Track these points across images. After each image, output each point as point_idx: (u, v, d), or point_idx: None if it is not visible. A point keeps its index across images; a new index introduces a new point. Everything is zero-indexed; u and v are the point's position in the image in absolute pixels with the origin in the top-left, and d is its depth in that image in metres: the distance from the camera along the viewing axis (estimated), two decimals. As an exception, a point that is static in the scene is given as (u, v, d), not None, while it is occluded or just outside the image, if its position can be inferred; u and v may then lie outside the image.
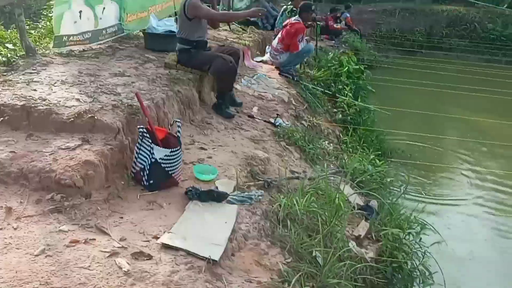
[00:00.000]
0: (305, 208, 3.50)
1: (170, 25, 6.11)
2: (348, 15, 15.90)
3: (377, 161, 5.24)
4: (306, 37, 7.87)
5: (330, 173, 4.84)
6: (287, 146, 5.06)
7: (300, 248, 3.26)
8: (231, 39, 8.25)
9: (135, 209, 3.12)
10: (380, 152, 7.16)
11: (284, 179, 4.07)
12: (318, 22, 9.57)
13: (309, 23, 7.96)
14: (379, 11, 19.03)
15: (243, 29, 9.56)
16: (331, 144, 6.04)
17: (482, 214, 6.35)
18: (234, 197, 3.42)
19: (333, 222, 3.48)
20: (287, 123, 5.79)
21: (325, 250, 3.19)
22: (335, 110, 7.70)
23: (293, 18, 7.62)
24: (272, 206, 3.50)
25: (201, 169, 3.76)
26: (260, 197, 3.55)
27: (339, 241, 3.42)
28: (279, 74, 7.55)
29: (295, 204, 3.45)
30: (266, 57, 8.35)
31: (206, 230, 2.99)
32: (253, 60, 8.19)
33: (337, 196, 3.64)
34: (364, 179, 4.99)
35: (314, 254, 3.31)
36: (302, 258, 3.24)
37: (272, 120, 5.69)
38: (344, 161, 5.45)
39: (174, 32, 6.06)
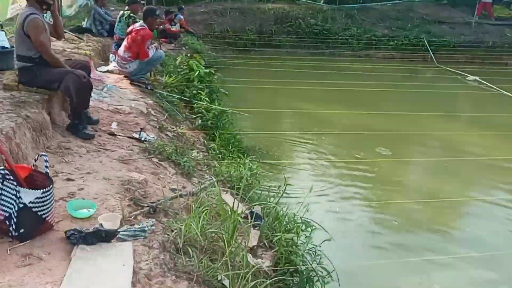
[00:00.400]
0: (202, 231, 3.23)
1: (1, 40, 5.25)
2: (181, 17, 15.72)
3: (252, 165, 5.13)
4: (154, 44, 7.46)
5: (208, 183, 4.62)
6: (160, 163, 4.68)
7: (206, 276, 2.99)
8: (69, 50, 7.47)
9: (9, 267, 2.53)
10: (242, 152, 7.24)
11: (167, 200, 3.74)
12: (160, 26, 9.20)
13: (156, 28, 7.57)
14: (210, 12, 19.22)
15: (78, 38, 8.75)
16: (200, 153, 5.79)
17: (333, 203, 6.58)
18: (124, 233, 2.99)
19: (233, 241, 3.28)
20: (152, 136, 5.39)
21: (230, 273, 2.98)
22: (193, 116, 7.47)
23: (137, 24, 7.16)
24: (168, 235, 3.16)
25: (76, 205, 3.24)
26: (153, 227, 3.17)
27: (242, 259, 3.24)
28: (130, 83, 7.05)
29: (192, 228, 3.16)
30: (112, 66, 7.76)
31: (104, 279, 2.55)
32: (97, 70, 7.53)
33: (232, 212, 3.43)
34: (241, 184, 4.87)
35: (220, 278, 3.08)
36: (210, 286, 2.98)
37: (136, 135, 5.25)
38: (216, 169, 5.26)
39: (6, 47, 5.25)
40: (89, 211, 3.19)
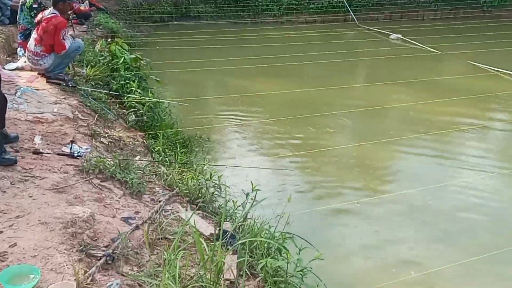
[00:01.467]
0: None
1: None
2: (90, -8, 14.32)
3: (210, 173, 4.46)
4: (70, 32, 6.45)
5: (165, 200, 3.97)
6: (102, 184, 3.93)
7: None
8: (-34, 47, 6.31)
9: None
10: (185, 146, 6.60)
11: (123, 239, 3.06)
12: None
13: (69, 14, 6.54)
14: (119, -16, 17.76)
15: (-26, 30, 7.49)
16: (143, 158, 5.06)
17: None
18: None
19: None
20: (85, 147, 4.59)
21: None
22: (125, 111, 6.63)
23: (47, 12, 6.10)
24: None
25: (12, 275, 2.49)
26: (119, 290, 2.51)
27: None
28: (47, 82, 6.06)
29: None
30: (21, 62, 6.66)
31: None
32: (4, 68, 6.43)
33: (213, 250, 2.82)
34: (201, 194, 4.26)
35: None
36: None
37: (67, 149, 4.43)
38: (167, 177, 4.57)
39: None
40: (30, 280, 2.46)
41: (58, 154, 4.24)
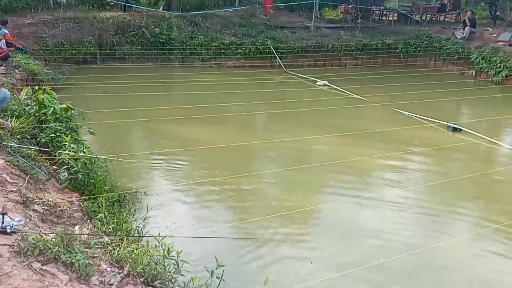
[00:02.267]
0: None
1: None
2: (6, 31, 13.35)
3: (168, 248, 3.99)
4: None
5: (117, 283, 3.48)
6: (44, 268, 3.37)
7: None
8: None
9: None
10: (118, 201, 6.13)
11: None
12: None
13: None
14: (39, 23, 16.74)
15: None
16: (84, 228, 4.51)
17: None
18: None
19: None
20: (18, 219, 3.99)
21: None
22: (55, 167, 6.00)
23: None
24: None
25: None
26: None
27: None
28: (-34, 138, 5.34)
29: None
30: None
31: None
32: None
33: None
34: (157, 273, 3.81)
35: None
36: None
37: (-4, 224, 3.80)
38: (113, 251, 4.07)
39: None
40: None
41: (-13, 232, 3.61)
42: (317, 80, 16.34)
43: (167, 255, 3.85)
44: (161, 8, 20.50)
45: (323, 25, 21.81)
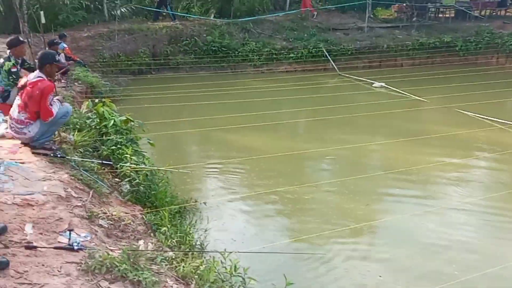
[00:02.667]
0: None
1: None
2: (65, 45, 13.77)
3: (234, 264, 3.84)
4: (57, 96, 5.86)
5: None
6: (111, 287, 3.29)
7: None
8: None
9: None
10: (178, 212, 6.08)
11: None
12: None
13: (57, 76, 5.98)
14: (95, 36, 17.23)
15: None
16: (148, 242, 4.43)
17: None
18: None
19: None
20: (84, 235, 3.95)
21: None
22: (117, 180, 6.02)
23: (32, 75, 5.52)
24: None
25: None
26: None
27: None
28: (32, 153, 5.41)
29: None
30: (1, 129, 6.01)
31: None
32: (-19, 138, 5.77)
33: None
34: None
35: None
36: None
37: (64, 239, 3.79)
38: (179, 267, 3.96)
39: None
40: None
41: (55, 248, 3.58)
42: (373, 82, 15.89)
43: (234, 272, 3.70)
44: (212, 16, 20.62)
45: (377, 25, 21.27)
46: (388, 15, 24.60)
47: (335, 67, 18.13)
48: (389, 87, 15.11)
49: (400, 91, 14.32)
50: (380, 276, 5.31)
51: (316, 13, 21.49)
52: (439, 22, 22.64)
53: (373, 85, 15.69)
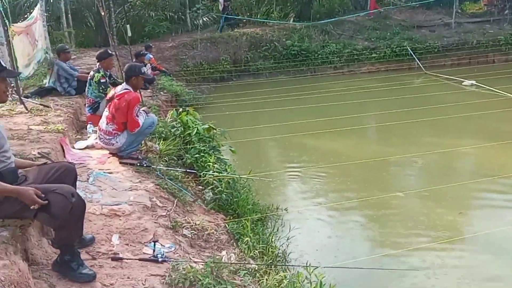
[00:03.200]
0: None
1: None
2: (151, 56, 14.34)
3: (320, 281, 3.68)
4: (143, 107, 6.04)
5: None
6: (195, 300, 3.26)
7: None
8: (36, 127, 5.99)
9: None
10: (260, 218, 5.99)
11: None
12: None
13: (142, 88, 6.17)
14: (179, 45, 17.81)
15: (44, 106, 7.27)
16: (231, 253, 4.39)
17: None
18: None
19: None
20: (169, 246, 3.98)
21: None
22: (200, 187, 6.07)
23: (119, 88, 5.73)
24: None
25: None
26: None
27: None
28: (120, 163, 5.60)
29: None
30: (92, 140, 6.29)
31: None
32: (74, 148, 6.06)
33: None
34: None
35: None
36: None
37: (149, 251, 3.83)
38: (264, 281, 3.86)
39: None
40: None
41: (140, 260, 3.63)
42: (463, 80, 14.98)
43: (319, 288, 3.54)
44: (292, 20, 20.56)
45: (465, 20, 20.15)
46: (477, 9, 23.17)
47: (420, 65, 17.36)
48: (481, 85, 14.16)
49: (494, 89, 13.35)
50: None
51: (382, 10, 20.69)
52: (535, 14, 20.96)
53: (463, 84, 14.79)
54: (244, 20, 20.02)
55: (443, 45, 18.34)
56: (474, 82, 14.66)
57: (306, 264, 4.03)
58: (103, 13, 7.82)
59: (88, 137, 6.54)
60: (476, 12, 22.40)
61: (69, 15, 16.63)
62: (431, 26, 19.74)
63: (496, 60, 18.38)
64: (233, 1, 19.57)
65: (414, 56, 17.70)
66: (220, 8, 18.88)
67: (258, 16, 20.30)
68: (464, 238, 5.77)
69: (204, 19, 19.85)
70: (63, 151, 5.63)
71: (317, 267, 3.77)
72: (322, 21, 19.66)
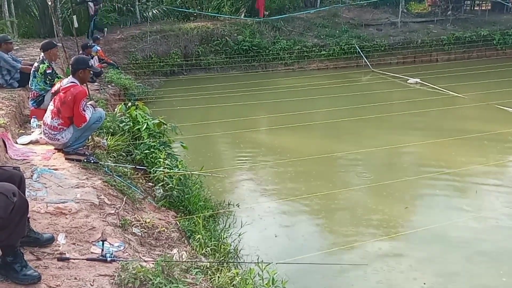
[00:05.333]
0: None
1: None
2: (99, 48, 13.95)
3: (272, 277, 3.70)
4: (90, 101, 5.84)
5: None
6: (146, 300, 3.19)
7: None
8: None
9: None
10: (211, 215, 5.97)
11: None
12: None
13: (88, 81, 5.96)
14: (128, 38, 17.38)
15: (-17, 99, 6.91)
16: (182, 251, 4.33)
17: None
18: None
19: None
20: (118, 244, 3.88)
21: None
22: (150, 184, 5.96)
23: (65, 81, 5.51)
24: None
25: None
26: None
27: None
28: (65, 159, 5.39)
29: None
30: (36, 134, 6.03)
31: None
32: (17, 143, 5.79)
33: None
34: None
35: None
36: None
37: (97, 250, 3.71)
38: (214, 276, 3.84)
39: None
40: None
41: (88, 260, 3.51)
42: (408, 78, 15.48)
43: (271, 285, 3.55)
44: (243, 15, 20.51)
45: (410, 20, 20.82)
46: (422, 9, 24.03)
47: (368, 63, 17.80)
48: (425, 83, 14.68)
49: (437, 87, 13.89)
50: (424, 284, 5.06)
51: (267, 13, 20.12)
52: (475, 15, 21.98)
53: (408, 82, 15.28)
54: (195, 14, 19.79)
55: (390, 44, 18.86)
56: (419, 80, 15.16)
57: (258, 260, 4.03)
58: (50, 2, 7.46)
59: (32, 131, 6.27)
60: (421, 12, 23.19)
61: (12, 4, 15.86)
62: (378, 25, 20.25)
63: (439, 59, 19.10)
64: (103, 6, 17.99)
65: (361, 54, 18.10)
66: (91, 12, 16.35)
67: (209, 10, 20.11)
68: (410, 232, 5.94)
69: (154, 11, 19.47)
70: (5, 146, 5.37)
71: (269, 263, 3.79)
72: (273, 17, 19.75)
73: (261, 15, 19.80)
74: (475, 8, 23.31)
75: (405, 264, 5.36)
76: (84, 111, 5.40)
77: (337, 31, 19.37)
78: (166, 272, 3.45)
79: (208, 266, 4.10)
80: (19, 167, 3.59)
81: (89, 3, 16.24)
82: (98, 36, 14.79)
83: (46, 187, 4.58)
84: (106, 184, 5.02)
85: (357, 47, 18.32)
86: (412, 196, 7.33)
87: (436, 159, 8.70)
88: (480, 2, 23.54)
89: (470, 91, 13.15)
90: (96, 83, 11.38)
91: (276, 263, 3.90)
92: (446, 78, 15.28)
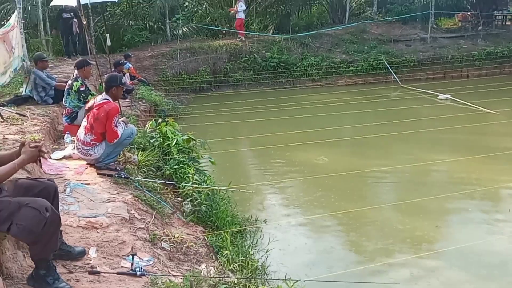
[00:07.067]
0: None
1: None
2: (130, 65, 14.26)
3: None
4: (122, 118, 5.99)
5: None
6: (174, 315, 3.22)
7: None
8: (12, 137, 5.88)
9: None
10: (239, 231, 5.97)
11: None
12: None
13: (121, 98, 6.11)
14: (158, 55, 17.71)
15: (20, 115, 7.14)
16: (210, 266, 4.35)
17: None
18: None
19: None
20: (147, 259, 3.93)
21: None
22: (179, 199, 6.03)
23: (98, 98, 5.67)
24: None
25: None
26: None
27: None
28: (97, 174, 5.52)
29: None
30: (69, 150, 6.19)
31: None
32: (51, 158, 5.96)
33: None
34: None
35: None
36: None
37: (127, 264, 3.77)
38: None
39: None
40: None
41: (118, 274, 3.57)
42: (438, 94, 15.27)
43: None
44: (271, 32, 20.68)
45: (440, 36, 20.55)
46: (452, 24, 23.72)
47: (397, 79, 17.63)
48: (455, 99, 14.45)
49: (468, 103, 13.65)
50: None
51: (243, 37, 19.23)
52: (507, 30, 21.55)
53: (438, 97, 15.07)
54: (224, 31, 20.06)
55: (419, 59, 18.68)
56: (449, 96, 14.94)
57: (285, 277, 4.02)
58: (84, 22, 7.72)
59: (65, 147, 6.44)
60: (451, 27, 22.91)
61: (47, 23, 16.43)
62: (407, 41, 20.09)
63: (470, 74, 18.79)
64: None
65: (390, 69, 17.96)
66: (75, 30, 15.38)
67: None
68: (442, 251, 5.82)
69: (184, 29, 19.82)
70: (40, 161, 5.52)
71: (297, 280, 3.77)
72: (301, 34, 19.85)
73: (242, 34, 19.30)
74: (507, 23, 22.86)
75: (435, 284, 5.24)
76: (116, 127, 5.53)
77: (366, 47, 19.29)
78: (194, 287, 3.48)
79: (235, 282, 4.11)
80: (53, 179, 3.70)
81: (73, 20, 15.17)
82: (130, 54, 15.13)
83: (78, 201, 4.69)
84: (136, 198, 5.11)
85: (385, 62, 18.19)
86: (443, 214, 7.18)
87: (467, 176, 8.52)
88: (512, 17, 23.16)
89: (502, 107, 12.85)
90: (127, 100, 11.62)
91: (304, 281, 3.89)
92: (477, 94, 15.00)
